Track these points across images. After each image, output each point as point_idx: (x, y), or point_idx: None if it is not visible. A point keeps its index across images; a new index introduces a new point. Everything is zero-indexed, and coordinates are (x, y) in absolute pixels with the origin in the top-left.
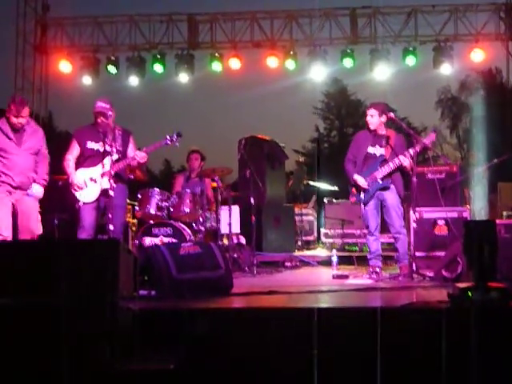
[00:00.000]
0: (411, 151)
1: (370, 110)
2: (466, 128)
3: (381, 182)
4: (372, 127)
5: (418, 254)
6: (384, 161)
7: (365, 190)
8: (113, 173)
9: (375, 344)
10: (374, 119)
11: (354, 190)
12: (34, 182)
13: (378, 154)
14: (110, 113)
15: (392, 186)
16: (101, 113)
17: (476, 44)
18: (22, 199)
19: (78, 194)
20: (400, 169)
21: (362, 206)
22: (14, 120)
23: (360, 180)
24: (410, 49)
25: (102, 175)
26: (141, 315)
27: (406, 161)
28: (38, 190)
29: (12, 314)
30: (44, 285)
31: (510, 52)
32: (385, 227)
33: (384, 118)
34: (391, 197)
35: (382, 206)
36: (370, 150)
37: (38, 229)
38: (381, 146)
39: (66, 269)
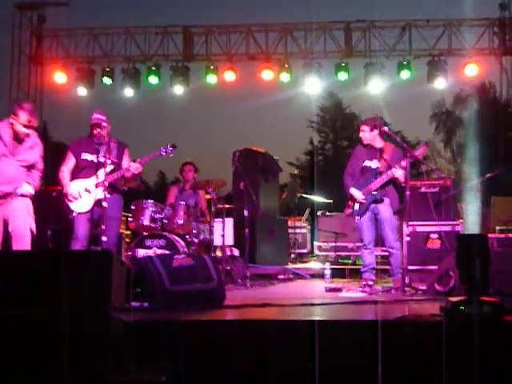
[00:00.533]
0: (403, 163)
1: (361, 126)
2: (459, 142)
3: (375, 193)
4: (365, 142)
5: (410, 267)
6: (379, 173)
7: (360, 203)
8: (107, 183)
9: (368, 356)
10: (365, 134)
11: (350, 202)
12: (26, 182)
13: (373, 167)
14: (105, 124)
15: (386, 200)
16: (97, 124)
17: (470, 58)
18: (8, 204)
19: (72, 205)
20: (394, 181)
21: (357, 218)
22: (20, 129)
23: (356, 193)
24: (405, 63)
25: (97, 185)
26: (133, 327)
27: (397, 172)
28: (27, 189)
29: (6, 325)
30: (35, 296)
31: (504, 66)
32: (379, 240)
33: (376, 133)
34: (385, 210)
35: (376, 220)
36: (367, 163)
37: (27, 233)
38: (377, 160)
39: (58, 280)
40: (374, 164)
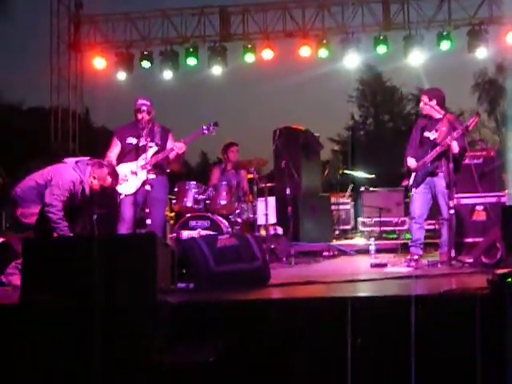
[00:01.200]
0: (455, 134)
1: (422, 97)
2: (503, 111)
3: (429, 165)
4: (424, 112)
5: (456, 240)
6: (435, 145)
7: (416, 173)
8: (151, 165)
9: (412, 332)
10: (424, 105)
11: (407, 174)
12: None
13: (432, 138)
14: (149, 109)
15: (440, 173)
16: (141, 109)
17: (511, 26)
18: None
19: (119, 188)
20: (449, 153)
21: (413, 190)
22: (96, 186)
23: (410, 161)
24: (444, 33)
25: (142, 168)
26: (180, 308)
27: (452, 143)
28: None
29: (50, 311)
30: (82, 281)
31: None
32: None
33: (434, 103)
34: (440, 183)
35: (431, 193)
36: (426, 134)
37: None
38: (436, 131)
39: (104, 265)
40: (432, 135)
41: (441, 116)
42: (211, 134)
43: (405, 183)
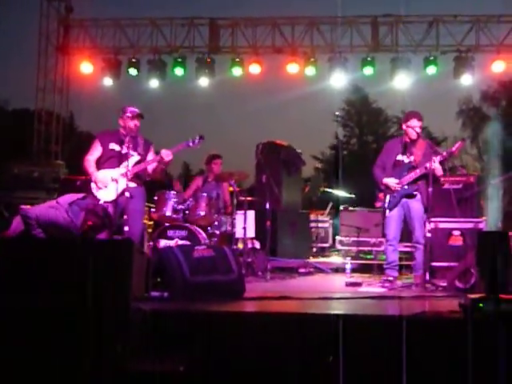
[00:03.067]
0: (438, 157)
1: (419, 122)
2: (486, 139)
3: (406, 188)
4: (415, 137)
5: (432, 263)
6: (412, 167)
7: (392, 194)
8: (132, 174)
9: (385, 351)
10: (420, 130)
11: (381, 195)
12: None
13: (406, 161)
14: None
15: (418, 195)
16: (141, 115)
17: (497, 55)
18: None
19: (97, 194)
20: (426, 176)
21: (387, 212)
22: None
23: (390, 180)
24: (431, 58)
25: (123, 175)
26: (152, 316)
27: (434, 164)
28: None
29: (27, 313)
30: (57, 283)
31: None
32: (402, 236)
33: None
34: (416, 206)
35: (405, 216)
36: (399, 157)
37: None
38: (411, 154)
39: (79, 268)
40: (406, 158)
41: (416, 140)
42: (196, 147)
43: (378, 204)
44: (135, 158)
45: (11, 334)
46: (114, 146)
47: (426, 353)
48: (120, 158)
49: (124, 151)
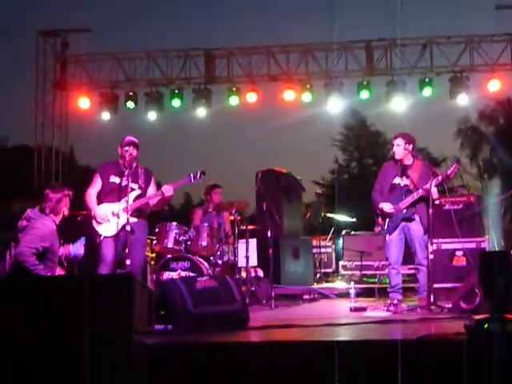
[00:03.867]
0: (435, 181)
1: (396, 140)
2: (485, 158)
3: (405, 212)
4: (398, 157)
5: (436, 285)
6: (408, 191)
7: (390, 218)
8: (134, 208)
9: (393, 377)
10: (399, 148)
11: (379, 219)
12: None
13: (402, 185)
14: (137, 146)
15: (416, 217)
16: (136, 144)
17: (492, 74)
18: None
19: (99, 228)
20: (424, 199)
21: (387, 236)
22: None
23: (386, 206)
24: (427, 80)
25: (124, 210)
26: (156, 349)
27: (432, 189)
28: None
29: (26, 348)
30: (59, 320)
31: None
32: (404, 259)
33: (410, 147)
34: (415, 228)
35: (405, 239)
36: (396, 180)
37: None
38: (406, 177)
39: (81, 304)
40: (402, 181)
41: (410, 162)
42: (197, 182)
43: (377, 229)
44: (136, 191)
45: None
46: (114, 179)
47: (433, 376)
48: (120, 191)
49: (124, 183)
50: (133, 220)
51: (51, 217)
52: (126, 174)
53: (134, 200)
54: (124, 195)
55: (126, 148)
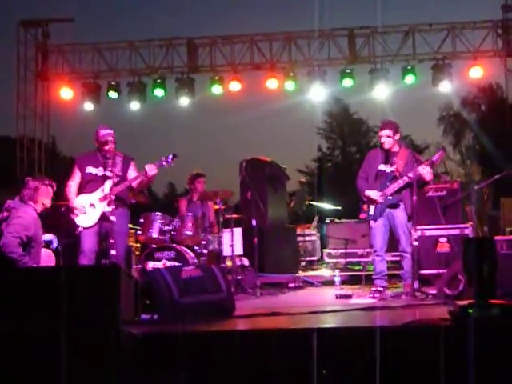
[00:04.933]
0: (420, 168)
1: (384, 131)
2: (468, 144)
3: (390, 198)
4: (387, 147)
5: (420, 271)
6: (394, 178)
7: (375, 205)
8: (113, 197)
9: (376, 363)
10: (388, 139)
11: (364, 206)
12: None
13: (388, 171)
14: (112, 139)
15: (401, 205)
16: (109, 140)
17: (474, 61)
18: None
19: (77, 220)
20: (409, 186)
21: (371, 223)
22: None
23: (372, 193)
24: (409, 67)
25: (101, 200)
26: (143, 339)
27: (424, 169)
28: None
29: (12, 340)
30: (45, 311)
31: (508, 68)
32: (389, 246)
33: (398, 136)
34: (400, 215)
35: (390, 225)
36: (381, 167)
37: None
38: (392, 164)
39: (68, 295)
40: (388, 168)
41: (397, 150)
42: (170, 165)
43: (362, 216)
44: (110, 181)
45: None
46: (90, 170)
47: (419, 361)
48: (97, 181)
49: (100, 173)
50: (109, 209)
51: (31, 204)
52: (104, 164)
53: (112, 188)
54: (101, 185)
55: (106, 146)
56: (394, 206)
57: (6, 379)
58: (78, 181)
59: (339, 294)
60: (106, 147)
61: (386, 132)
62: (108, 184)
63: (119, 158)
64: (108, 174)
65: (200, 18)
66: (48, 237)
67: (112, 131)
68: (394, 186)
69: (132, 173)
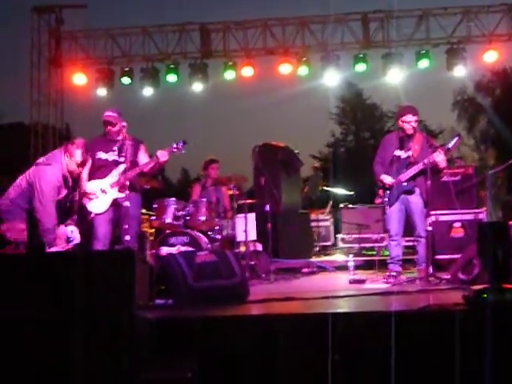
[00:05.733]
0: (435, 154)
1: (414, 116)
2: (483, 129)
3: (405, 184)
4: (411, 132)
5: (434, 256)
6: (410, 163)
7: (391, 191)
8: (127, 182)
9: (391, 348)
10: (415, 124)
11: (380, 191)
12: None
13: (403, 157)
14: (116, 121)
15: (417, 190)
16: (107, 121)
17: (489, 45)
18: None
19: (89, 206)
20: (425, 172)
21: (387, 208)
22: (72, 167)
23: (386, 178)
24: (423, 52)
25: (112, 185)
26: (158, 324)
27: (438, 156)
28: None
29: (26, 326)
30: (59, 297)
31: None
32: (404, 231)
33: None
34: (415, 200)
35: (405, 211)
36: (397, 152)
37: None
38: (407, 149)
39: (82, 280)
40: (403, 154)
41: (413, 134)
42: (180, 152)
43: (377, 201)
44: (122, 166)
45: (13, 347)
46: (101, 155)
47: (433, 346)
48: (108, 167)
49: (111, 158)
50: (121, 195)
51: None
52: (112, 148)
53: (123, 173)
54: (112, 171)
55: (106, 119)
56: (410, 192)
57: (17, 364)
58: (89, 166)
59: (353, 279)
60: (106, 129)
61: (413, 117)
62: (119, 170)
63: (129, 142)
64: (121, 159)
65: (213, 3)
66: (70, 230)
67: (114, 113)
68: (410, 172)
69: (142, 157)
